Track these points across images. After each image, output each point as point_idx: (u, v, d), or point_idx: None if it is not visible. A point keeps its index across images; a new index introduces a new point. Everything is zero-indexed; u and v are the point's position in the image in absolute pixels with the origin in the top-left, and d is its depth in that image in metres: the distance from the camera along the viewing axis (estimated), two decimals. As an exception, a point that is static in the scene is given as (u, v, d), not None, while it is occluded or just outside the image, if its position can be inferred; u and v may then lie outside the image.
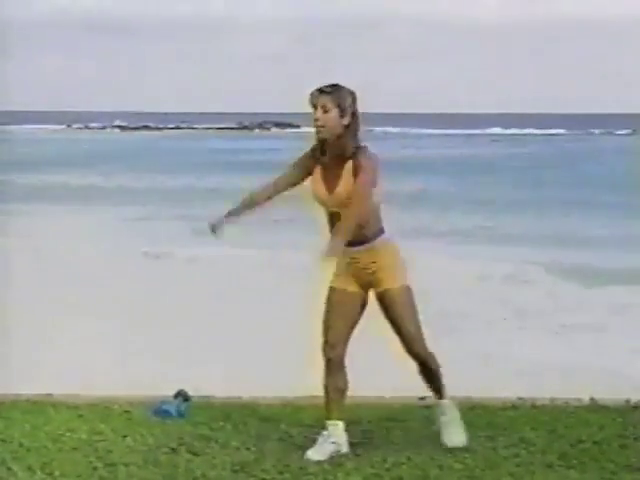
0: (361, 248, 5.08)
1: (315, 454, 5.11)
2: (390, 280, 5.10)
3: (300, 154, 5.17)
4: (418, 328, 5.16)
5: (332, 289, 5.18)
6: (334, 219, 5.05)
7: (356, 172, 4.98)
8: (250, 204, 5.27)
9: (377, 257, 5.09)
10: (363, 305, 5.21)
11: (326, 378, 5.19)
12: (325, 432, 5.21)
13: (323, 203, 5.09)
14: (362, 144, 5.05)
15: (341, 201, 5.00)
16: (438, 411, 5.35)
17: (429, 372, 5.26)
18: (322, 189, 5.06)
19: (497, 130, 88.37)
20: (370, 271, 5.10)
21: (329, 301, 5.18)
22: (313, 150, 5.13)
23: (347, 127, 5.02)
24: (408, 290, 5.13)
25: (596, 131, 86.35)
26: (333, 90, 5.03)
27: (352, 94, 5.06)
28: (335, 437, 5.19)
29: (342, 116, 5.01)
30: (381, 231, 5.11)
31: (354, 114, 5.04)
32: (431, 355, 5.24)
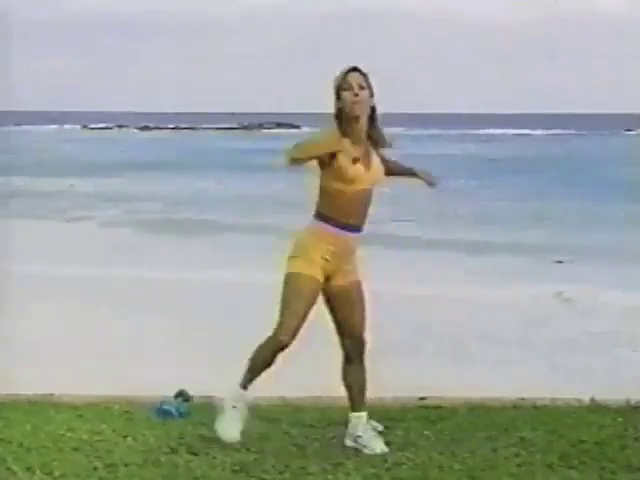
0: (358, 235, 5.09)
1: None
2: (357, 273, 5.18)
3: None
4: (364, 323, 5.21)
5: (301, 275, 5.00)
6: (364, 198, 5.04)
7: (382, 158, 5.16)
8: None
9: (357, 247, 5.14)
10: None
11: (270, 357, 5.07)
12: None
13: (359, 180, 4.99)
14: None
15: (378, 177, 5.09)
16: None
17: (360, 365, 5.23)
18: (360, 166, 5.01)
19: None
20: (348, 260, 5.10)
21: (297, 287, 5.01)
22: (342, 132, 5.00)
23: (373, 109, 5.07)
24: (361, 283, 5.21)
25: None
26: (364, 71, 5.06)
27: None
28: None
29: (371, 96, 5.05)
30: None
31: (373, 96, 5.09)
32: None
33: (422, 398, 6.30)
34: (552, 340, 9.98)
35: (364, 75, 5.05)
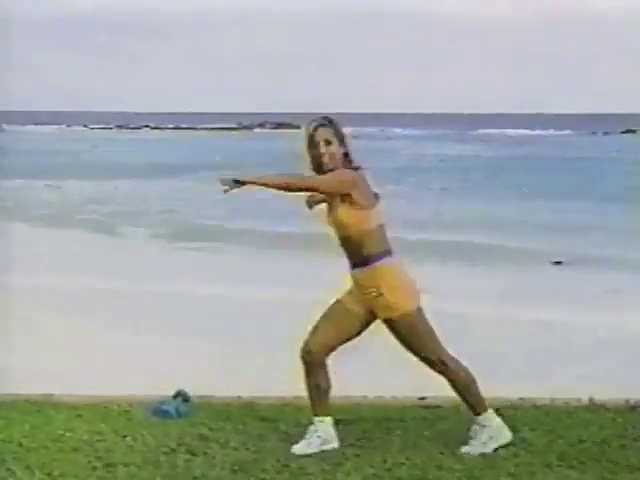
0: (361, 271, 5.08)
1: (300, 448, 5.18)
2: (391, 308, 5.06)
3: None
4: (430, 349, 5.15)
5: (337, 301, 5.22)
6: (344, 244, 5.10)
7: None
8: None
9: (378, 282, 5.04)
10: (365, 326, 5.19)
11: (305, 378, 5.26)
12: (312, 427, 5.26)
13: (330, 227, 5.13)
14: (357, 165, 5.12)
15: (341, 224, 5.05)
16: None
17: (456, 387, 5.26)
18: (328, 215, 5.14)
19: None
20: (371, 296, 5.08)
21: (329, 309, 5.22)
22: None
23: (345, 155, 5.10)
24: (410, 316, 5.07)
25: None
26: (329, 122, 5.11)
27: (336, 121, 5.16)
28: (321, 431, 5.22)
29: (341, 145, 5.09)
30: (384, 254, 5.05)
31: (344, 139, 5.12)
32: (455, 371, 5.21)
33: (422, 398, 6.30)
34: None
35: (331, 125, 5.09)
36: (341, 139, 5.09)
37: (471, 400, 5.25)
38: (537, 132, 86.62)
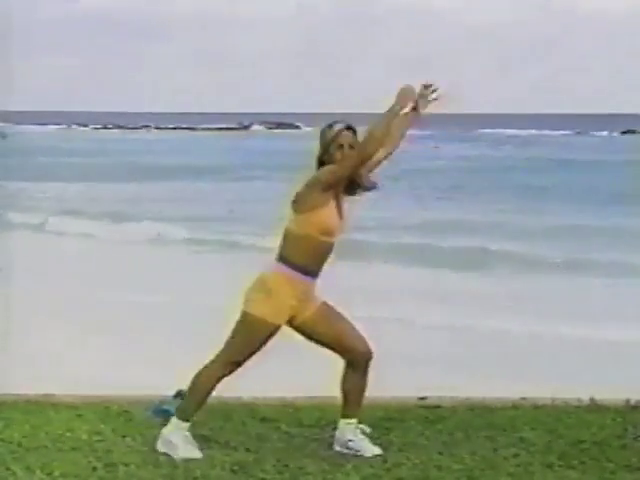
0: (316, 281, 5.09)
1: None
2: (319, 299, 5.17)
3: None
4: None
5: (264, 323, 5.02)
6: (331, 248, 5.03)
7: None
8: None
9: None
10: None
11: (212, 388, 5.18)
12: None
13: (332, 232, 5.01)
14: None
15: (346, 228, 5.06)
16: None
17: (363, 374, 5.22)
18: (337, 217, 5.01)
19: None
20: (310, 302, 5.11)
21: (255, 334, 5.05)
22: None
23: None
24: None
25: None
26: (354, 129, 5.01)
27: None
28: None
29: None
30: None
31: None
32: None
33: (422, 398, 6.30)
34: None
35: (354, 132, 5.01)
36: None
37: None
38: (537, 132, 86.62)
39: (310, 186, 4.94)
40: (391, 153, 5.20)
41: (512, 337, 10.08)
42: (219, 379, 5.15)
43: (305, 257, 4.98)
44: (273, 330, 5.06)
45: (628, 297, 12.58)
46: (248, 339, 5.07)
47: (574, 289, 13.39)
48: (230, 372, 5.15)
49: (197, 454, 5.09)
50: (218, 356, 5.15)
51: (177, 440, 5.12)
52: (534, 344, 9.86)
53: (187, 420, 5.18)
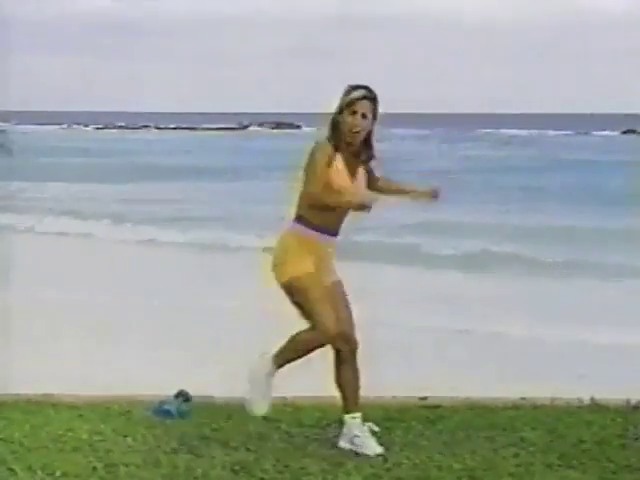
0: (335, 239, 5.14)
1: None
2: (337, 274, 5.22)
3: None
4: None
5: (312, 275, 5.02)
6: (342, 211, 5.06)
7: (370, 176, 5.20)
8: None
9: (335, 251, 5.19)
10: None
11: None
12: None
13: (344, 191, 5.03)
14: (372, 153, 5.16)
15: (361, 190, 5.08)
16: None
17: (352, 364, 5.24)
18: (347, 179, 5.05)
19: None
20: (329, 261, 5.16)
21: (319, 286, 5.03)
22: (334, 145, 5.03)
23: (370, 132, 5.09)
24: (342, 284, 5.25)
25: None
26: (374, 96, 5.05)
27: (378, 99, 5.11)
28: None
29: (373, 123, 5.08)
30: None
31: (375, 119, 5.10)
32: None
33: (422, 398, 6.30)
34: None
35: (373, 101, 5.05)
36: (375, 118, 5.06)
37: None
38: (537, 132, 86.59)
39: (312, 156, 4.98)
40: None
41: (512, 338, 10.07)
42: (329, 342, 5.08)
43: (318, 215, 5.02)
44: (314, 279, 5.03)
45: (629, 298, 12.58)
46: (315, 296, 5.01)
47: (574, 289, 13.39)
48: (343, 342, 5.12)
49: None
50: (313, 327, 5.03)
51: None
52: (534, 345, 9.85)
53: (279, 366, 5.16)
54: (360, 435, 5.21)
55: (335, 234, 5.12)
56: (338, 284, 5.20)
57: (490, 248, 16.89)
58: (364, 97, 5.02)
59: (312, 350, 5.08)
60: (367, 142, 5.12)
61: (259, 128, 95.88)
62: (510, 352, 9.51)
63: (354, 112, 5.00)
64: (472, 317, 10.97)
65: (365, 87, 5.06)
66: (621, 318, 10.98)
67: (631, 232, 19.00)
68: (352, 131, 5.01)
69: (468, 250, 16.66)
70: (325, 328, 4.99)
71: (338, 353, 5.21)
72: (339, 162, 5.02)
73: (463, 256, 16.17)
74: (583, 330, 10.24)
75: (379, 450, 5.16)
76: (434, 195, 5.31)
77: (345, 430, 5.25)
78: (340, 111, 5.03)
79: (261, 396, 5.16)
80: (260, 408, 5.18)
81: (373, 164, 5.25)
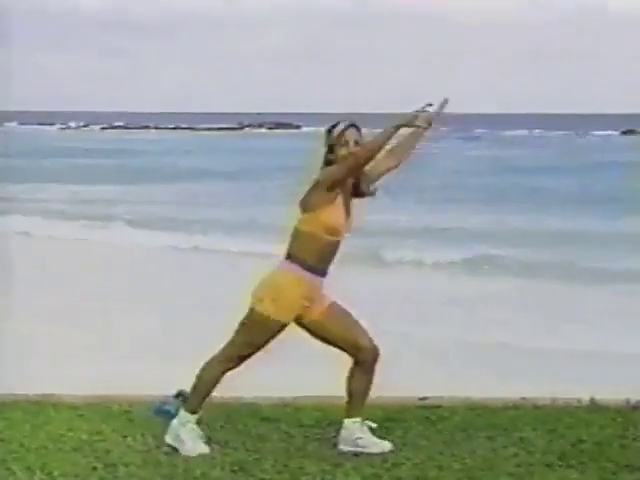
0: (325, 279, 5.14)
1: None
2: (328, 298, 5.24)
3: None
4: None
5: (271, 320, 5.08)
6: (334, 250, 5.09)
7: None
8: None
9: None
10: None
11: (218, 381, 5.25)
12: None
13: (337, 231, 5.06)
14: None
15: (352, 227, 5.13)
16: None
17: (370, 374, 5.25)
18: (343, 216, 5.07)
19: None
20: (319, 300, 5.17)
21: (262, 332, 5.12)
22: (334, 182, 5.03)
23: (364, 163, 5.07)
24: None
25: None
26: (357, 126, 5.10)
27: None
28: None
29: None
30: None
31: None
32: None
33: (422, 398, 6.29)
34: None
35: (358, 129, 5.09)
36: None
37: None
38: (537, 132, 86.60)
39: (314, 186, 5.02)
40: (397, 166, 5.26)
41: (513, 338, 10.07)
42: (223, 373, 5.20)
43: (312, 255, 5.04)
44: (279, 328, 5.11)
45: (629, 301, 12.57)
46: (254, 336, 5.13)
47: (574, 290, 13.38)
48: (234, 367, 5.21)
49: (204, 449, 5.14)
50: (223, 350, 5.21)
51: (185, 436, 5.16)
52: (535, 347, 9.85)
53: (194, 412, 5.21)
54: (363, 436, 5.22)
55: (325, 274, 5.13)
56: (334, 304, 5.21)
57: (489, 250, 16.86)
58: (349, 126, 5.08)
59: (217, 381, 5.22)
60: (364, 174, 5.12)
61: (259, 128, 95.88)
62: (511, 354, 9.51)
63: (346, 142, 5.04)
64: (472, 317, 10.97)
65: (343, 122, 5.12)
66: (622, 321, 10.99)
67: (632, 233, 18.98)
68: (351, 153, 5.01)
69: (468, 254, 16.64)
70: (226, 356, 5.18)
71: (359, 362, 5.21)
72: (339, 201, 5.04)
73: (463, 260, 16.15)
74: (585, 333, 10.24)
75: (388, 446, 5.19)
76: (429, 123, 5.17)
77: (345, 433, 5.25)
78: (331, 149, 5.07)
79: (191, 442, 5.17)
80: (199, 448, 5.17)
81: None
